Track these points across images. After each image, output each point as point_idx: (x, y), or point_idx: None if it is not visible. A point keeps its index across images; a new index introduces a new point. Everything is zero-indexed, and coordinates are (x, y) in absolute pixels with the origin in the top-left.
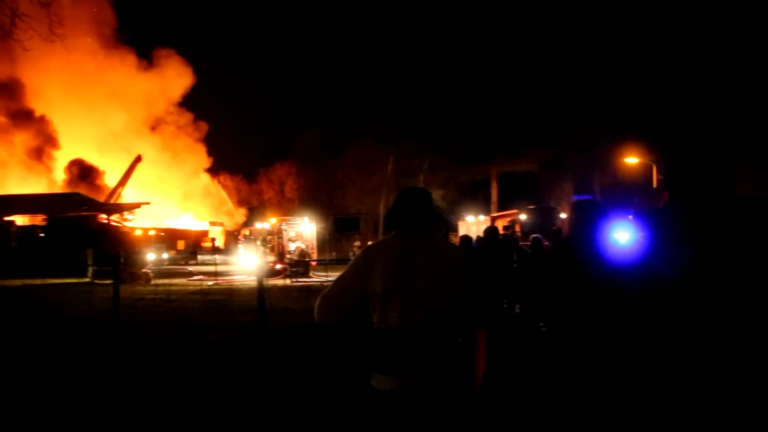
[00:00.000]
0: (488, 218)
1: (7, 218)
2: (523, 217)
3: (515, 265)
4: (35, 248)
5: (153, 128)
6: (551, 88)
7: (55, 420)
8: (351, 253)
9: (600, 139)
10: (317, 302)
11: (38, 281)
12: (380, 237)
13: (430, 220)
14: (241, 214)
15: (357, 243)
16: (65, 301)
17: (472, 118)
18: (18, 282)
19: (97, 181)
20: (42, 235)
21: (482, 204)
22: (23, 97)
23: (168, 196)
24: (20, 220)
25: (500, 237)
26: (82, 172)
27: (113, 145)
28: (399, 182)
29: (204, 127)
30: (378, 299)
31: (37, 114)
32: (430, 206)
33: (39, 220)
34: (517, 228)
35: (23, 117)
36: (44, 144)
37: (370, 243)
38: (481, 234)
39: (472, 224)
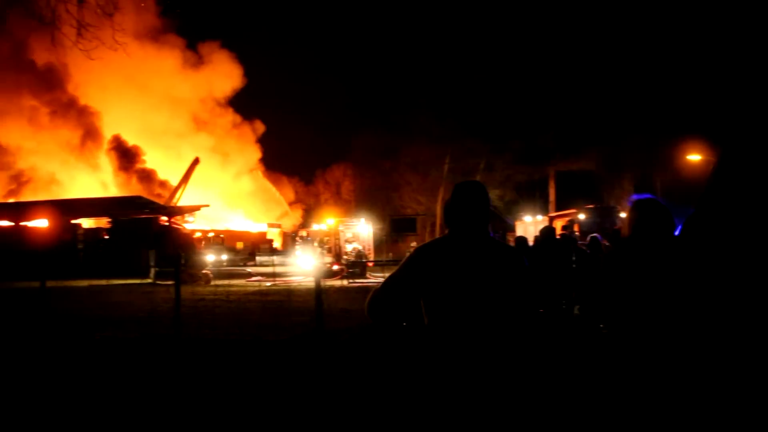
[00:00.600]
0: (546, 218)
1: (73, 221)
2: (581, 216)
3: (574, 266)
4: (100, 250)
5: (207, 129)
6: (610, 84)
7: (120, 416)
8: (407, 254)
9: (661, 135)
10: (368, 299)
11: (103, 282)
12: (437, 237)
13: (486, 219)
14: (298, 216)
15: (413, 243)
16: (129, 301)
17: (529, 117)
18: (85, 283)
19: (138, 165)
20: (106, 237)
21: (540, 204)
22: (68, 87)
23: (226, 198)
24: (86, 222)
25: (558, 237)
26: (123, 152)
27: (165, 144)
28: (455, 182)
29: (260, 128)
30: (430, 302)
31: (81, 104)
32: (486, 203)
33: (104, 222)
34: (576, 228)
35: (66, 107)
36: (87, 138)
37: (423, 243)
38: (538, 234)
39: (530, 224)
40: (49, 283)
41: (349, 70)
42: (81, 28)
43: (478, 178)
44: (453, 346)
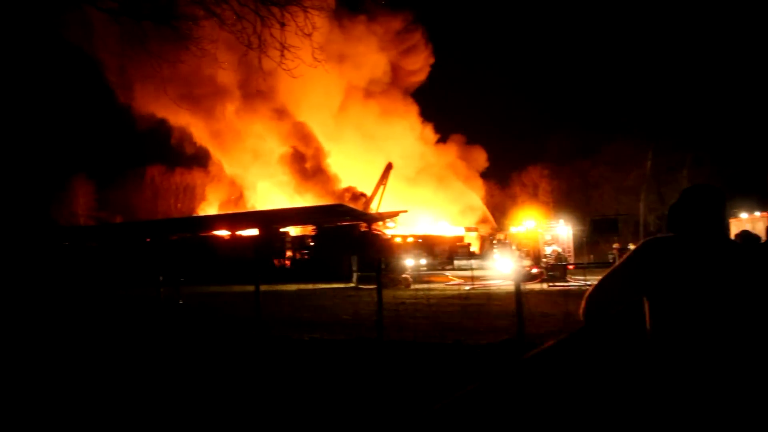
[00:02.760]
0: (764, 215)
1: (282, 229)
2: None
3: None
4: (306, 256)
5: (397, 129)
6: None
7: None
8: (610, 256)
9: None
10: (585, 297)
11: (310, 286)
12: (641, 238)
13: (723, 228)
14: (495, 219)
15: (616, 245)
16: (334, 304)
17: (740, 105)
18: (293, 287)
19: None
20: (312, 243)
21: (757, 198)
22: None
23: (422, 203)
24: (293, 230)
25: None
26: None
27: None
28: (660, 179)
29: (457, 136)
30: (658, 303)
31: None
32: (724, 212)
33: (309, 230)
34: None
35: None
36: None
37: (647, 239)
38: (759, 233)
39: (746, 221)
40: (262, 287)
41: (544, 68)
42: (284, 49)
43: (684, 173)
44: (689, 361)
